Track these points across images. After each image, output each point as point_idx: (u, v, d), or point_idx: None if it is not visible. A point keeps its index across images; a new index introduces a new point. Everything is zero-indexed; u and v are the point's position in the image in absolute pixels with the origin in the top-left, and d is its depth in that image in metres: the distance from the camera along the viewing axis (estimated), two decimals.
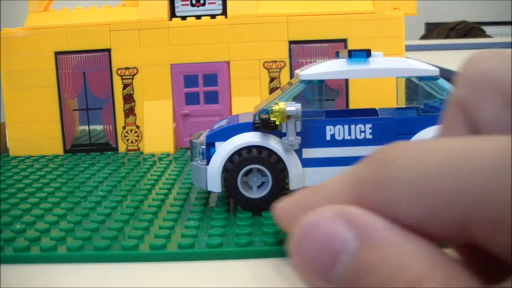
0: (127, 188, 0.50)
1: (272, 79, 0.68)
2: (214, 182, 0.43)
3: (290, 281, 0.32)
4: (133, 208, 0.44)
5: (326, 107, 0.45)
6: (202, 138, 0.44)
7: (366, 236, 0.20)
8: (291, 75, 0.68)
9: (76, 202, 0.47)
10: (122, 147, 0.69)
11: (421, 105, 0.45)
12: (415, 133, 0.43)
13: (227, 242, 0.37)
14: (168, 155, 0.65)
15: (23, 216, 0.43)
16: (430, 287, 0.19)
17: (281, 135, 0.42)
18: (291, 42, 0.67)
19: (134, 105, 0.68)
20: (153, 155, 0.66)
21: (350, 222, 0.20)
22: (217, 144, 0.43)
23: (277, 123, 0.41)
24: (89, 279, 0.34)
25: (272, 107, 0.41)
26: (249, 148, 0.42)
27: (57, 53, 0.67)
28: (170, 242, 0.37)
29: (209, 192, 0.48)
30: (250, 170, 0.42)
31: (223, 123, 0.46)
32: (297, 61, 0.67)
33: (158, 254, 0.36)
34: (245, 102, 0.67)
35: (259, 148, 0.42)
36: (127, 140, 0.69)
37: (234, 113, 0.67)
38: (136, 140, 0.69)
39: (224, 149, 0.42)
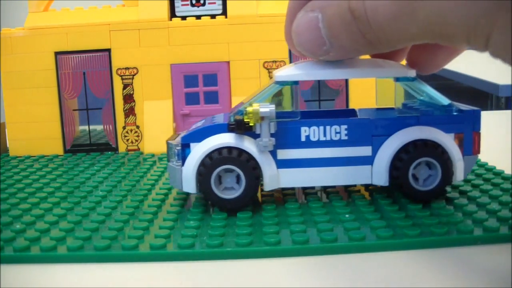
0: (127, 188, 0.50)
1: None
2: (189, 183, 0.43)
3: (290, 281, 0.32)
4: (133, 208, 0.44)
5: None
6: (178, 139, 0.44)
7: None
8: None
9: (76, 202, 0.47)
10: (122, 147, 0.69)
11: (398, 105, 0.45)
12: (391, 134, 0.43)
13: (227, 242, 0.37)
14: None
15: (23, 216, 0.43)
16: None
17: (255, 136, 0.42)
18: None
19: (134, 105, 0.68)
20: (153, 155, 0.66)
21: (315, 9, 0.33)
22: (192, 145, 0.43)
23: (251, 124, 0.41)
24: (89, 279, 0.34)
25: (246, 108, 0.41)
26: (223, 149, 0.42)
27: (57, 53, 0.67)
28: (170, 242, 0.37)
29: None
30: (225, 171, 0.42)
31: (200, 124, 0.46)
32: (297, 61, 0.67)
33: (158, 254, 0.36)
34: None
35: (233, 149, 0.42)
36: (127, 140, 0.69)
37: None
38: (136, 140, 0.69)
39: (199, 150, 0.42)
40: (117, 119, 0.69)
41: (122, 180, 0.54)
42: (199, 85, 0.68)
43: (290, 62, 0.67)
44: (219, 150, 0.42)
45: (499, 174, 0.51)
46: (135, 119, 0.69)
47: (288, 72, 0.42)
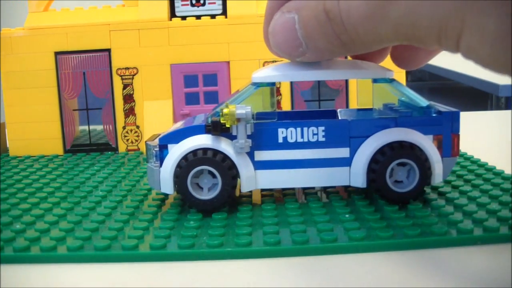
0: (127, 188, 0.50)
1: None
2: (166, 184, 0.42)
3: (290, 281, 0.32)
4: (133, 208, 0.44)
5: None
6: (157, 140, 0.44)
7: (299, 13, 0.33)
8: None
9: (76, 202, 0.47)
10: (122, 147, 0.69)
11: (376, 106, 0.45)
12: (368, 136, 0.43)
13: (227, 242, 0.37)
14: None
15: (23, 216, 0.43)
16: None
17: (232, 137, 0.42)
18: None
19: (134, 105, 0.68)
20: None
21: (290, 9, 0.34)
22: (169, 146, 0.43)
23: (227, 126, 0.41)
24: (89, 279, 0.34)
25: (222, 109, 0.41)
26: (199, 151, 0.42)
27: (57, 53, 0.67)
28: (170, 242, 0.37)
29: None
30: (202, 172, 0.42)
31: (179, 124, 0.46)
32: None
33: (158, 254, 0.36)
34: None
35: (210, 151, 0.42)
36: (127, 140, 0.69)
37: None
38: (136, 140, 0.69)
39: (176, 152, 0.42)
40: (117, 119, 0.69)
41: (122, 180, 0.54)
42: (199, 85, 0.68)
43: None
44: (195, 151, 0.42)
45: (499, 174, 0.51)
46: (135, 119, 0.69)
47: (265, 73, 0.42)
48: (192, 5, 0.68)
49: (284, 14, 0.34)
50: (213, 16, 0.68)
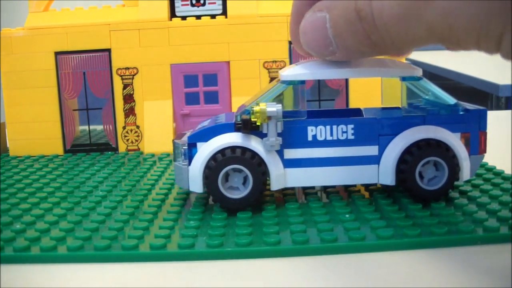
0: (127, 188, 0.50)
1: (272, 79, 0.68)
2: (195, 182, 0.42)
3: (290, 281, 0.32)
4: (133, 208, 0.44)
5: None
6: (185, 138, 0.44)
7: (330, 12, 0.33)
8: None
9: (76, 202, 0.47)
10: (122, 147, 0.69)
11: (405, 105, 0.45)
12: (397, 134, 0.43)
13: (227, 242, 0.37)
14: (168, 155, 0.65)
15: (23, 216, 0.43)
16: None
17: (262, 135, 0.42)
18: (291, 42, 0.67)
19: (134, 105, 0.68)
20: (153, 155, 0.66)
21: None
22: (198, 144, 0.43)
23: (258, 124, 0.41)
24: (89, 279, 0.34)
25: (253, 108, 0.41)
26: (230, 149, 0.42)
27: (57, 53, 0.67)
28: (170, 242, 0.37)
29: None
30: (233, 170, 0.42)
31: (206, 123, 0.46)
32: (297, 61, 0.67)
33: (158, 254, 0.36)
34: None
35: (240, 149, 0.42)
36: (127, 140, 0.69)
37: None
38: (136, 140, 0.69)
39: (206, 150, 0.42)
40: (117, 119, 0.69)
41: (122, 180, 0.54)
42: (199, 85, 0.68)
43: (290, 62, 0.67)
44: (225, 149, 0.42)
45: (499, 174, 0.51)
46: (135, 119, 0.69)
47: (294, 71, 0.42)
48: (192, 5, 0.68)
49: (315, 13, 0.34)
50: (213, 16, 0.68)
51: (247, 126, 0.41)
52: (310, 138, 0.43)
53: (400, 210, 0.41)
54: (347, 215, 0.40)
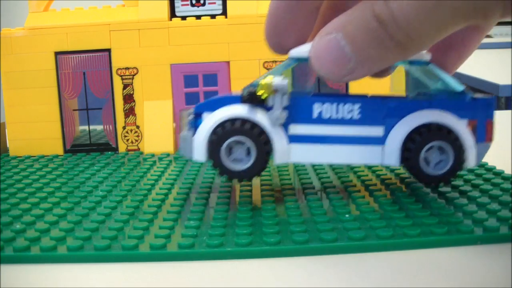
0: (127, 188, 0.50)
1: None
2: (199, 151, 0.43)
3: (290, 281, 0.32)
4: (133, 208, 0.44)
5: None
6: (192, 108, 0.44)
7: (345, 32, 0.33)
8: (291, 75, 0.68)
9: (76, 202, 0.47)
10: (122, 147, 0.69)
11: (411, 90, 0.45)
12: (403, 116, 0.43)
13: (227, 242, 0.37)
14: (168, 155, 0.65)
15: (23, 216, 0.43)
16: None
17: (268, 109, 0.42)
18: None
19: (134, 105, 0.68)
20: (153, 155, 0.66)
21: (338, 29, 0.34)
22: (204, 114, 0.43)
23: (263, 97, 0.41)
24: (89, 279, 0.34)
25: (260, 81, 0.41)
26: (234, 120, 0.42)
27: (57, 53, 0.67)
28: (170, 242, 0.37)
29: (209, 192, 0.48)
30: (236, 142, 0.42)
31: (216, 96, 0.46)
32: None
33: (158, 254, 0.36)
34: None
35: (245, 121, 0.42)
36: (127, 140, 0.69)
37: None
38: (136, 140, 0.69)
39: (210, 120, 0.42)
40: (117, 119, 0.69)
41: (122, 180, 0.54)
42: (199, 85, 0.68)
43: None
44: (230, 120, 0.42)
45: (499, 174, 0.51)
46: (135, 119, 0.69)
47: (302, 48, 0.42)
48: (192, 5, 0.68)
49: (325, 37, 0.34)
50: (213, 16, 0.68)
51: (253, 98, 0.42)
52: (315, 115, 0.43)
53: (400, 210, 0.41)
54: (347, 215, 0.40)
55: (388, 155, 0.43)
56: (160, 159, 0.64)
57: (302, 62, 0.42)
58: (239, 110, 0.42)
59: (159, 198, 0.47)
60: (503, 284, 0.31)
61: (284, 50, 0.43)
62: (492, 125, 0.44)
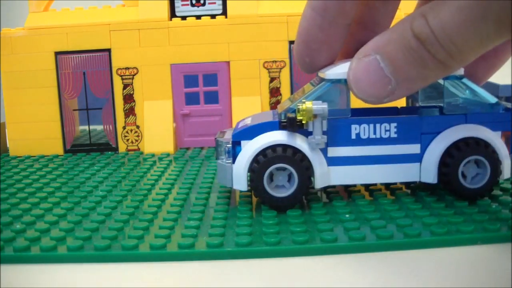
0: (127, 188, 0.50)
1: (272, 79, 0.68)
2: (240, 180, 0.43)
3: (290, 281, 0.32)
4: (133, 208, 0.44)
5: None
6: (227, 136, 0.44)
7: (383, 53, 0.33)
8: (291, 75, 0.68)
9: (76, 202, 0.47)
10: (122, 147, 0.69)
11: (444, 104, 0.45)
12: (439, 132, 0.43)
13: (227, 242, 0.37)
14: (168, 155, 0.65)
15: (23, 216, 0.43)
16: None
17: (307, 134, 0.42)
18: (291, 42, 0.67)
19: (134, 105, 0.68)
20: (153, 155, 0.66)
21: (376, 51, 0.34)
22: (243, 142, 0.43)
23: (303, 122, 0.41)
24: (89, 279, 0.34)
25: (299, 106, 0.41)
26: (275, 147, 0.42)
27: (57, 53, 0.67)
28: (170, 242, 0.37)
29: (209, 192, 0.48)
30: (277, 169, 0.42)
31: (248, 121, 0.46)
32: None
33: (158, 254, 0.36)
34: (245, 102, 0.67)
35: (285, 147, 0.42)
36: (127, 140, 0.69)
37: (234, 113, 0.67)
38: (136, 140, 0.69)
39: (250, 148, 0.42)
40: (117, 119, 0.69)
41: (122, 180, 0.54)
42: (199, 85, 0.68)
43: (290, 62, 0.67)
44: (272, 147, 0.42)
45: None
46: (135, 119, 0.69)
47: (338, 70, 0.42)
48: (192, 5, 0.68)
49: (363, 59, 0.34)
50: (213, 16, 0.68)
51: (293, 124, 0.41)
52: (353, 136, 0.43)
53: (400, 210, 0.41)
54: (347, 215, 0.40)
55: (425, 172, 0.43)
56: (160, 159, 0.64)
57: (339, 83, 0.42)
58: (279, 137, 0.42)
59: (159, 198, 0.47)
60: (503, 284, 0.31)
61: (315, 69, 0.43)
62: None
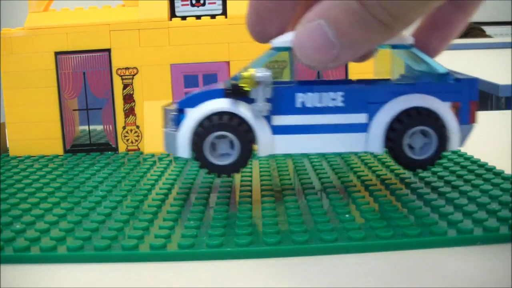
0: (127, 188, 0.50)
1: None
2: (184, 148, 0.43)
3: (290, 281, 0.32)
4: (133, 208, 0.44)
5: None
6: (175, 105, 0.44)
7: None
8: (292, 75, 0.68)
9: (76, 202, 0.47)
10: (122, 147, 0.69)
11: (395, 74, 0.45)
12: (386, 102, 0.43)
13: (227, 242, 0.37)
14: (168, 155, 0.65)
15: (23, 216, 0.43)
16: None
17: (251, 102, 0.42)
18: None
19: (134, 105, 0.68)
20: (153, 155, 0.66)
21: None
22: (187, 110, 0.43)
23: (246, 89, 0.41)
24: (89, 279, 0.34)
25: (242, 73, 0.41)
26: (218, 114, 0.42)
27: (57, 53, 0.67)
28: (170, 242, 0.37)
29: (209, 192, 0.48)
30: (219, 137, 0.42)
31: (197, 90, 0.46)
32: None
33: (158, 254, 0.36)
34: None
35: (229, 115, 0.42)
36: (127, 140, 0.69)
37: None
38: (136, 140, 0.69)
39: (194, 115, 0.42)
40: (117, 119, 0.69)
41: (122, 180, 0.54)
42: (199, 85, 0.68)
43: (290, 62, 0.67)
44: (213, 115, 0.42)
45: (499, 174, 0.51)
46: (135, 119, 0.69)
47: (284, 38, 0.42)
48: (192, 5, 0.68)
49: (307, 25, 0.34)
50: (213, 16, 0.68)
51: (236, 91, 0.41)
52: (298, 105, 0.43)
53: (400, 210, 0.41)
54: (347, 215, 0.40)
55: (371, 142, 0.43)
56: (160, 159, 0.64)
57: (284, 51, 0.42)
58: (221, 104, 0.42)
59: (159, 198, 0.47)
60: (503, 284, 0.31)
61: (267, 39, 0.43)
62: (476, 106, 0.44)
